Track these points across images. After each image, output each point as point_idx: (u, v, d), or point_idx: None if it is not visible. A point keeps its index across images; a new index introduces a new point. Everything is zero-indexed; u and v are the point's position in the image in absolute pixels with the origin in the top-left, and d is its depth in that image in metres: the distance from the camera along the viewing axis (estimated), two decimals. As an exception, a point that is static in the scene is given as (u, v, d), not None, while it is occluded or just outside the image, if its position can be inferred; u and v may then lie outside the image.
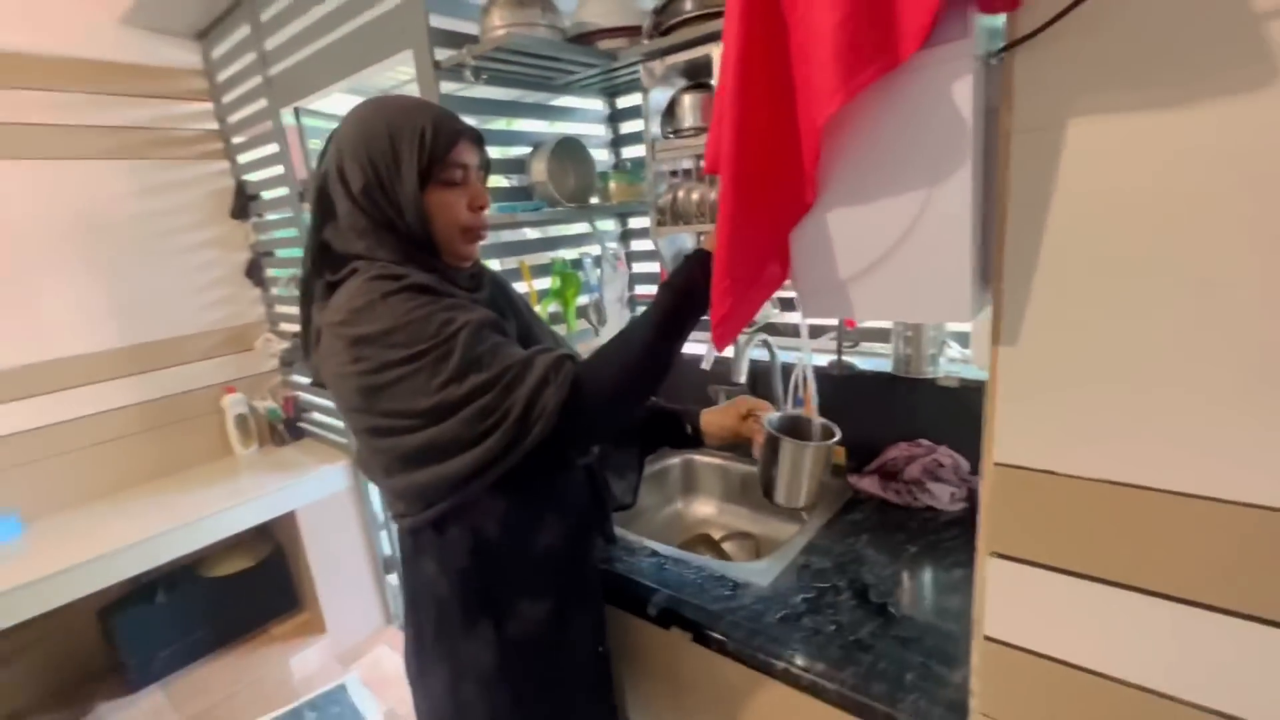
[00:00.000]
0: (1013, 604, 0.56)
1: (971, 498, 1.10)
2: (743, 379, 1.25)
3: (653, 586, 0.94)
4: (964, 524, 1.04)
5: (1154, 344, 0.44)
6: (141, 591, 1.83)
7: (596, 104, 1.63)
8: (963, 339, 1.20)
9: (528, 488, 0.73)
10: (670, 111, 1.29)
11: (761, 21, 0.52)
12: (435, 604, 0.74)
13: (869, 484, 1.18)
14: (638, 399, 0.70)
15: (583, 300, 1.59)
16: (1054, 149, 0.45)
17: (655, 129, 1.32)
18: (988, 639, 0.58)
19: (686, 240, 1.46)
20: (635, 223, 1.74)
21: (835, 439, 0.83)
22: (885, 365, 1.25)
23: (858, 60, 0.44)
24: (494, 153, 1.50)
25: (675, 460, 1.46)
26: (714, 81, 1.21)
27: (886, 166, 0.49)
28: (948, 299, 0.50)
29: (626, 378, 0.66)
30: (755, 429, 0.95)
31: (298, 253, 1.91)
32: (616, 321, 1.66)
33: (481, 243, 0.77)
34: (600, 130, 1.64)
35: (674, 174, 1.37)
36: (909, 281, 0.52)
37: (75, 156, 1.80)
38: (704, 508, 1.43)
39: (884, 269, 0.52)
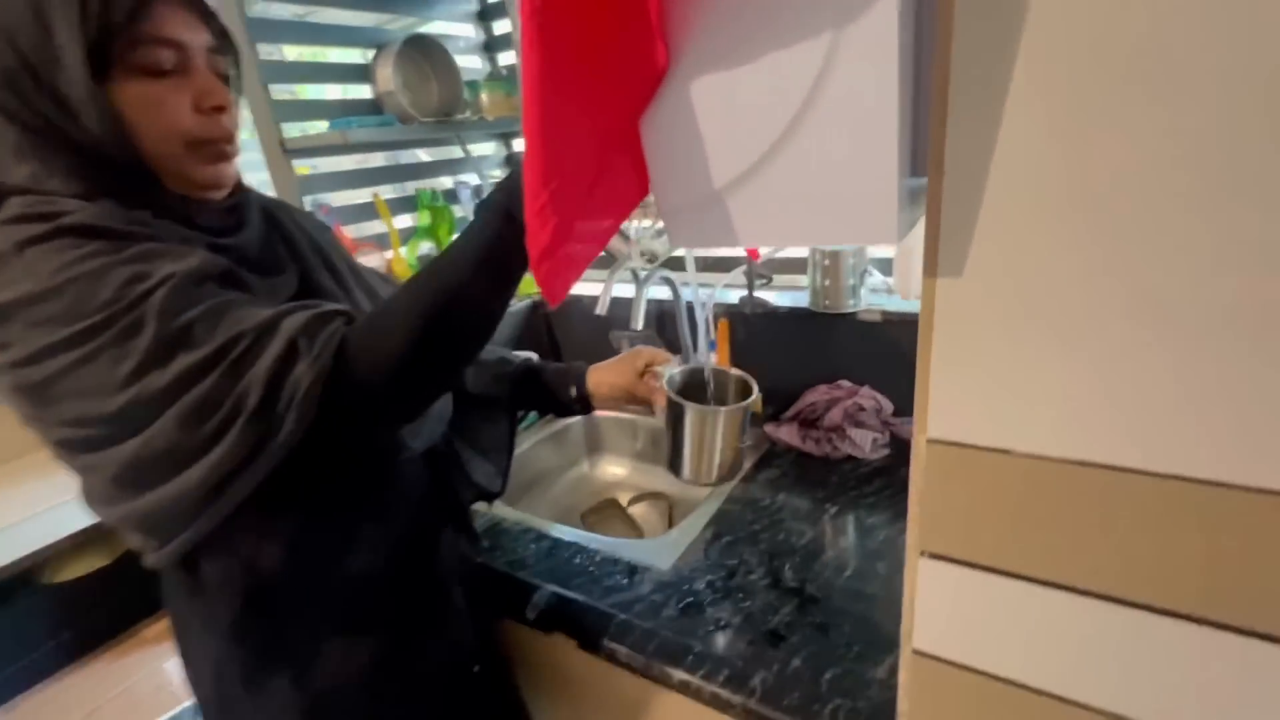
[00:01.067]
0: (947, 612, 0.43)
1: (895, 443, 1.00)
2: (640, 325, 1.08)
3: (533, 583, 0.78)
4: (887, 473, 0.94)
5: (1151, 273, 0.30)
6: (-37, 608, 1.54)
7: (460, -3, 1.34)
8: (884, 266, 1.07)
9: (319, 496, 0.54)
10: None
11: None
12: (210, 670, 0.56)
13: (786, 433, 1.06)
14: (449, 363, 0.51)
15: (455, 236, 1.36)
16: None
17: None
18: (917, 653, 0.46)
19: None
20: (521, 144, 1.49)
21: (751, 399, 0.67)
22: (803, 299, 1.11)
23: None
24: (332, 55, 1.21)
25: (576, 418, 1.29)
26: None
27: (765, 8, 0.31)
28: (865, 210, 0.33)
29: (425, 334, 0.47)
30: (654, 389, 0.78)
31: None
32: (507, 262, 1.45)
33: (230, 161, 0.54)
34: (469, 30, 1.36)
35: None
36: (808, 186, 0.34)
37: None
38: (613, 468, 1.29)
39: (771, 168, 0.35)
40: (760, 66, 0.33)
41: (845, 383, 1.07)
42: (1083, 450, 0.34)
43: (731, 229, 0.38)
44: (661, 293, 1.28)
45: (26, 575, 1.65)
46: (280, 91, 1.08)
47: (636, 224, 1.21)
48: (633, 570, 0.79)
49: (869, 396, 1.04)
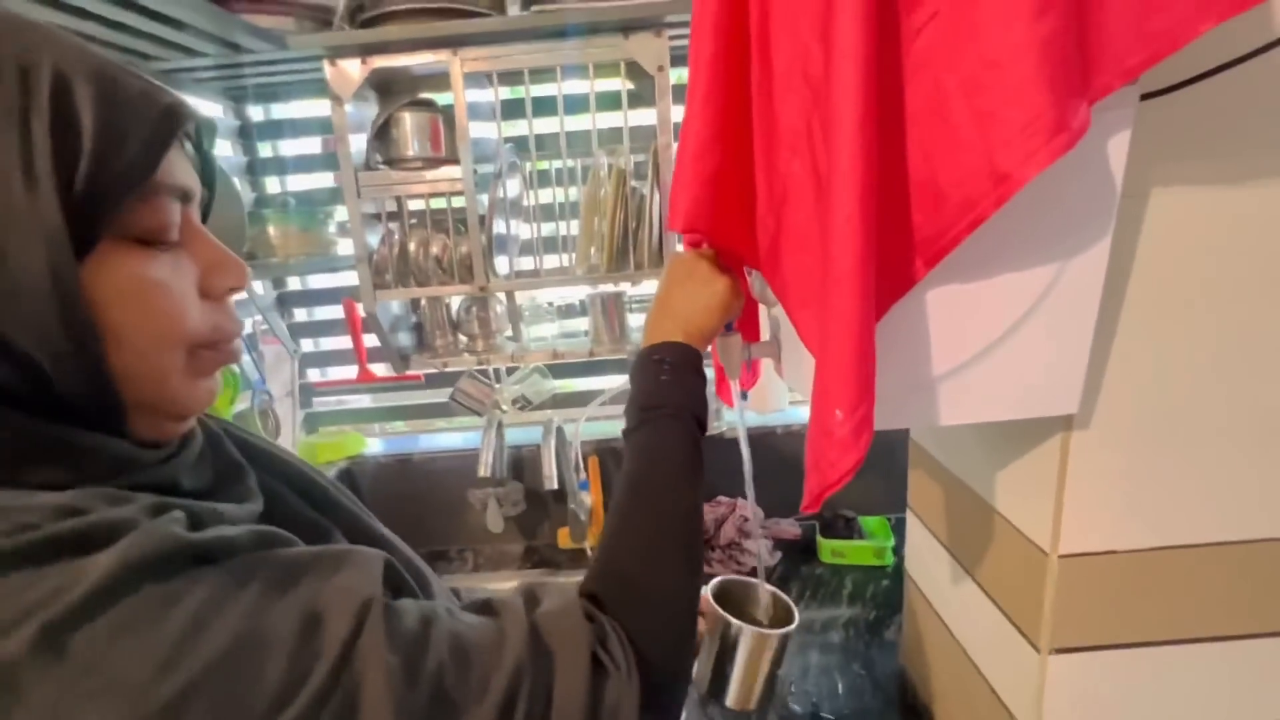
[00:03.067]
0: (1074, 696, 0.52)
1: (780, 545, 1.11)
2: (551, 484, 0.99)
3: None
4: (797, 577, 1.03)
5: (1212, 405, 0.45)
6: None
7: (216, 109, 1.09)
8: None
9: None
10: (383, 134, 0.93)
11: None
12: None
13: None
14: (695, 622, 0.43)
15: (241, 405, 1.03)
16: (1139, 217, 0.42)
17: (355, 152, 0.94)
18: (1047, 739, 0.53)
19: (395, 305, 1.10)
20: (295, 283, 1.23)
21: (795, 622, 0.61)
22: (671, 426, 1.17)
23: (1068, 90, 0.31)
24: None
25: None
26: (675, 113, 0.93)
27: (1013, 235, 0.38)
28: (1061, 386, 0.42)
29: (688, 583, 0.41)
30: None
31: None
32: (290, 426, 1.15)
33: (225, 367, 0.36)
34: (228, 150, 1.11)
35: (390, 216, 1.01)
36: (1018, 371, 0.42)
37: None
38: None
39: (989, 360, 0.41)
40: (998, 284, 0.39)
41: (723, 498, 1.15)
42: (1163, 538, 0.48)
43: (936, 408, 0.43)
44: (516, 437, 1.19)
45: None
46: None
47: (502, 369, 1.11)
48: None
49: (745, 508, 1.14)
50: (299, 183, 1.17)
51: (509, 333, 1.13)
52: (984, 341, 0.41)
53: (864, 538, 1.06)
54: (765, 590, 0.64)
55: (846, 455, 0.37)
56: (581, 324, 1.14)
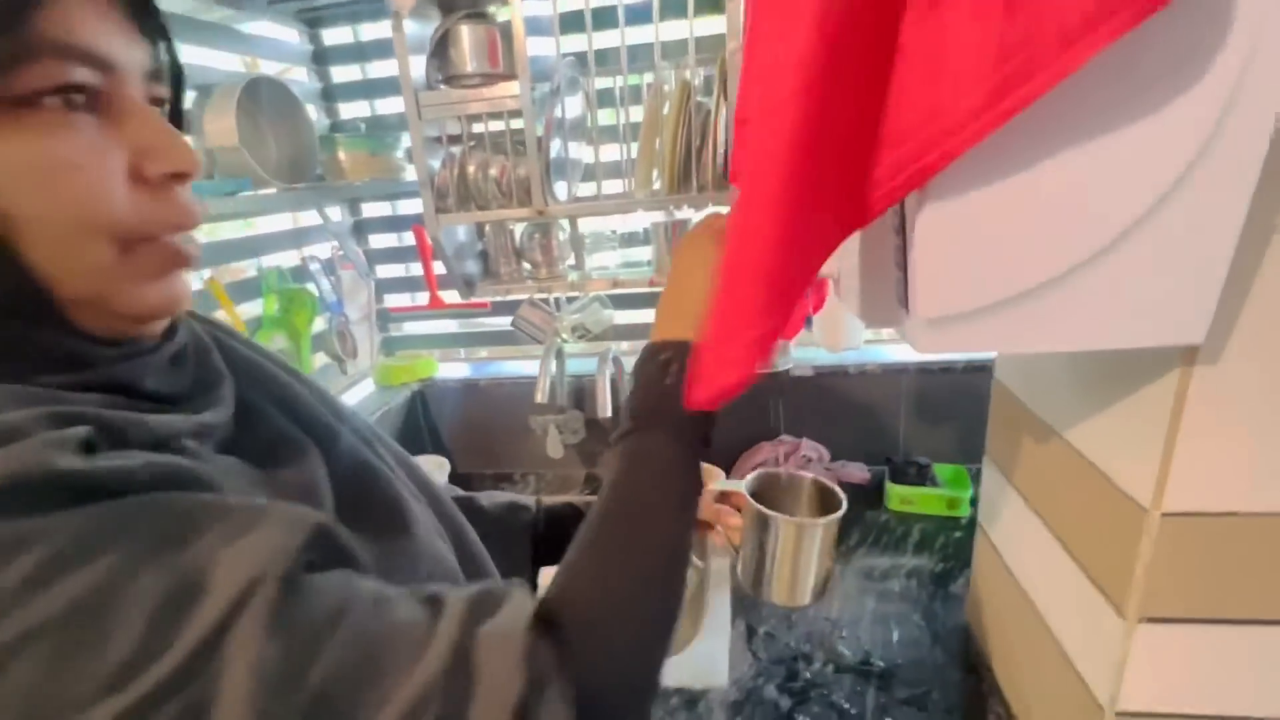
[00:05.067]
0: (1160, 670, 0.46)
1: (847, 489, 1.05)
2: (604, 412, 0.99)
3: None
4: (860, 523, 0.98)
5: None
6: None
7: (291, 34, 1.10)
8: (806, 323, 1.14)
9: None
10: (441, 51, 0.90)
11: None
12: None
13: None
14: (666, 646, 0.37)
15: (319, 327, 1.09)
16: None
17: (417, 74, 0.92)
18: (1122, 715, 0.47)
19: (461, 232, 1.10)
20: (370, 209, 1.27)
21: (843, 508, 0.59)
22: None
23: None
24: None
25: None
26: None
27: (1132, 103, 0.30)
28: (1186, 311, 0.34)
29: (662, 613, 0.36)
30: (721, 510, 0.63)
31: None
32: (367, 349, 1.20)
33: (189, 268, 0.33)
34: (301, 75, 1.12)
35: (452, 139, 0.99)
36: (1133, 289, 0.34)
37: None
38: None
39: (1096, 272, 0.33)
40: (1107, 169, 0.32)
41: (786, 437, 1.11)
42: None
43: (1027, 331, 0.36)
44: (579, 366, 1.19)
45: None
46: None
47: (563, 297, 1.11)
48: (692, 698, 0.69)
49: (811, 448, 1.09)
50: (371, 108, 1.18)
51: (572, 261, 1.11)
52: (1091, 248, 0.33)
53: (938, 486, 0.99)
54: (809, 481, 0.60)
55: (729, 371, 0.37)
56: (645, 253, 1.10)
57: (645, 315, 1.21)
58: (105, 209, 0.28)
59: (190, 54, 0.93)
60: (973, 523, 0.94)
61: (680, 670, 0.73)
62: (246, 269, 0.99)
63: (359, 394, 1.19)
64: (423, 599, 0.30)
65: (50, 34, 0.26)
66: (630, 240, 1.11)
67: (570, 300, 1.11)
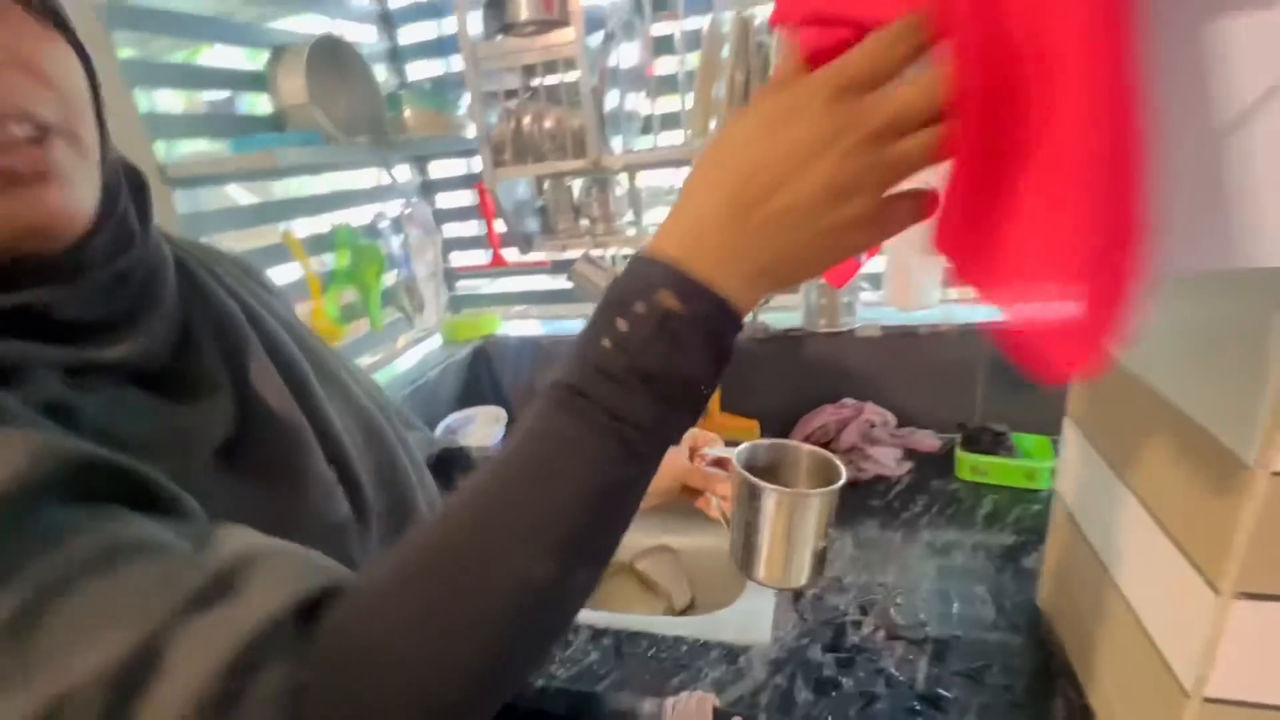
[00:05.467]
0: (1257, 653, 0.40)
1: (912, 456, 1.00)
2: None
3: (629, 703, 0.64)
4: (924, 490, 0.92)
5: None
6: None
7: (359, -3, 1.13)
8: (874, 280, 1.08)
9: None
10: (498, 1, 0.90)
11: None
12: None
13: (801, 461, 1.02)
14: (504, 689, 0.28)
15: (388, 283, 1.14)
16: None
17: (475, 29, 0.92)
18: (1212, 701, 0.42)
19: (521, 189, 1.11)
20: (437, 169, 1.30)
21: (841, 480, 0.53)
22: (796, 320, 1.08)
23: None
24: (218, 58, 0.95)
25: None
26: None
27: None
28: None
29: (513, 633, 0.27)
30: (711, 475, 0.60)
31: None
32: (434, 306, 1.24)
33: (45, 184, 0.28)
34: (370, 35, 1.15)
35: (509, 94, 0.99)
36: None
37: None
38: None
39: None
40: None
41: (849, 401, 1.06)
42: None
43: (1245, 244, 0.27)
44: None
45: None
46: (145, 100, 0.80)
47: (613, 253, 1.10)
48: (732, 653, 0.68)
49: (875, 412, 1.04)
50: (438, 67, 1.19)
51: (630, 217, 1.09)
52: None
53: (1015, 456, 0.91)
54: (805, 451, 0.56)
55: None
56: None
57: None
58: None
59: (263, 14, 0.98)
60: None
61: (723, 625, 0.72)
62: (322, 225, 1.04)
63: (426, 349, 1.23)
64: (201, 566, 0.25)
65: None
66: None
67: (626, 258, 1.10)
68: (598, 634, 0.73)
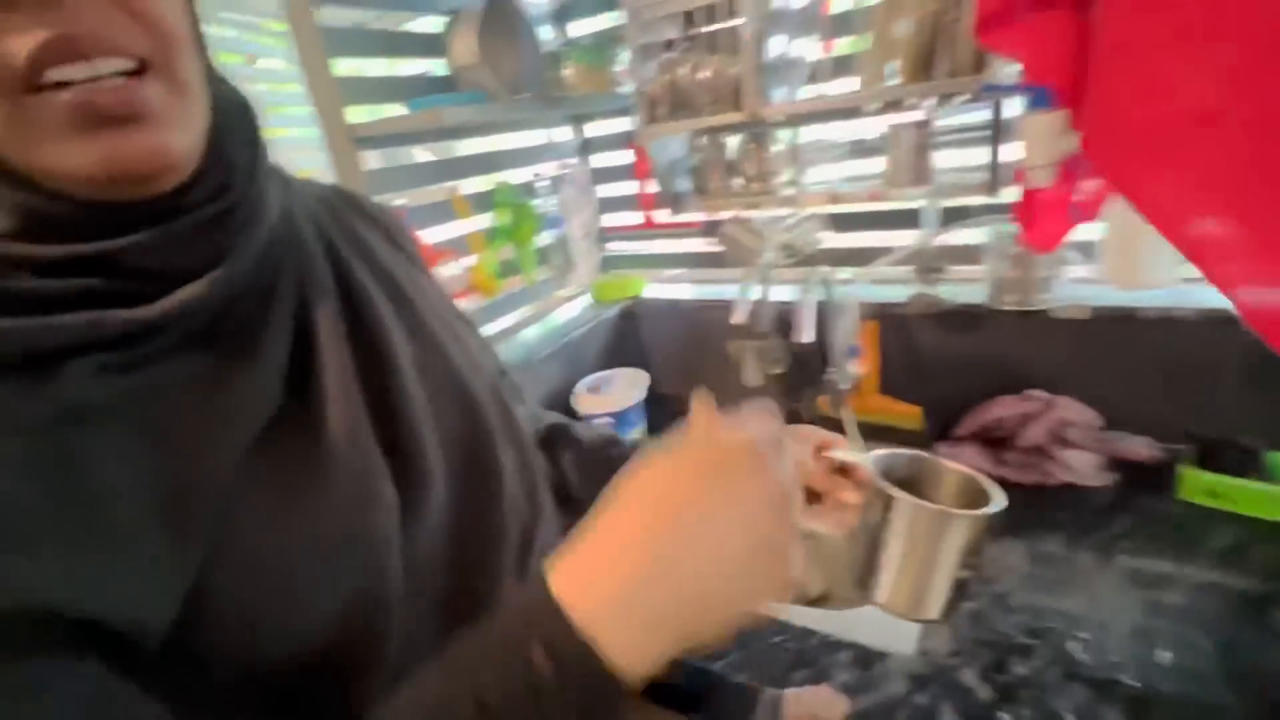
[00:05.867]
0: None
1: (1119, 466, 0.83)
2: (807, 336, 0.90)
3: (744, 687, 0.61)
4: (1129, 506, 0.76)
5: None
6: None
7: (530, -44, 1.15)
8: (1086, 249, 0.89)
9: None
10: (660, -60, 0.85)
11: None
12: None
13: (969, 455, 0.89)
14: None
15: (543, 241, 1.17)
16: None
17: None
18: None
19: (675, 147, 1.07)
20: (593, 129, 1.30)
21: (997, 504, 0.43)
22: (978, 294, 0.93)
23: None
24: (381, 23, 1.02)
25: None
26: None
27: None
28: None
29: None
30: (833, 482, 0.52)
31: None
32: (586, 265, 1.26)
33: (147, 126, 0.26)
34: (538, -4, 1.17)
35: (667, 45, 0.95)
36: None
37: None
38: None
39: None
40: None
41: (1038, 393, 0.90)
42: None
43: None
44: (789, 293, 1.10)
45: None
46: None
47: (770, 214, 1.03)
48: (867, 659, 0.62)
49: (1072, 409, 0.87)
50: (599, 24, 1.18)
51: (789, 176, 1.01)
52: None
53: (1269, 480, 0.71)
54: (953, 471, 0.47)
55: None
56: (874, 166, 0.95)
57: (862, 238, 1.06)
58: None
59: None
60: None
61: (859, 625, 0.65)
62: (487, 184, 1.09)
63: (575, 308, 1.26)
64: None
65: None
66: (861, 152, 0.96)
67: (781, 219, 1.02)
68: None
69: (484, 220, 1.07)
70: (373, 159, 0.91)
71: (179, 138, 0.28)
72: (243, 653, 0.28)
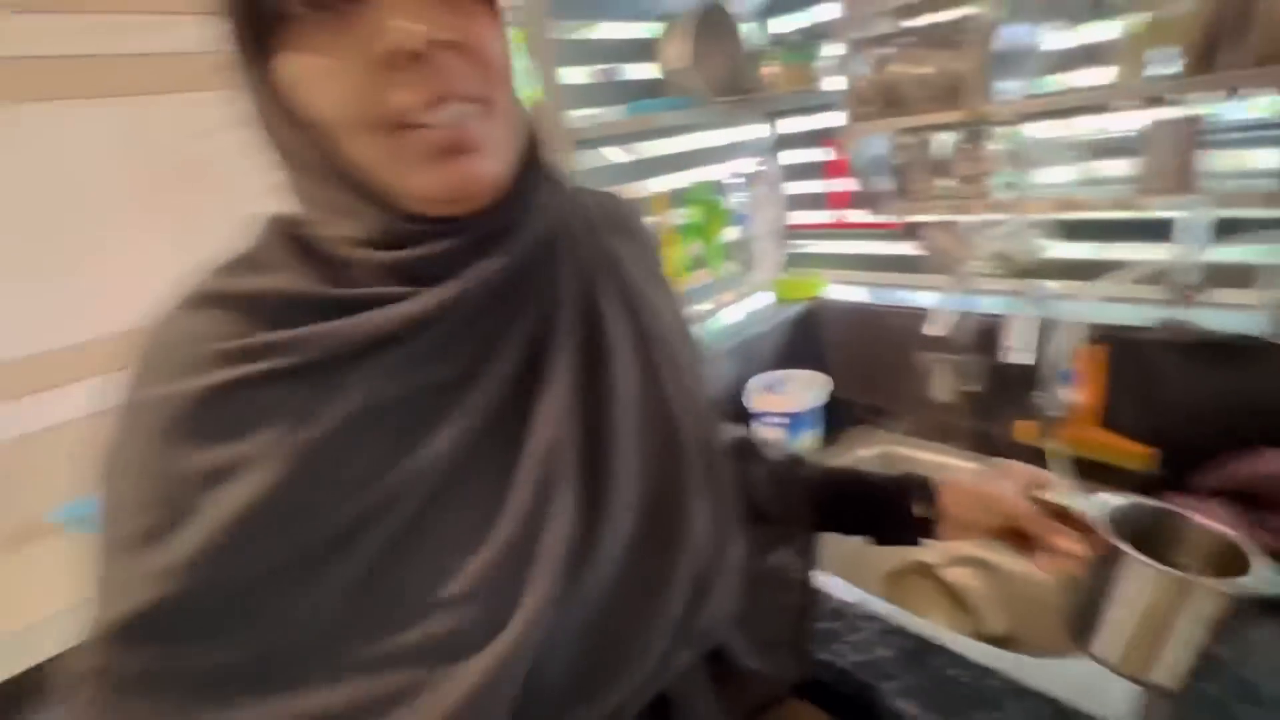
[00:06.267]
0: None
1: None
2: (1016, 354, 0.83)
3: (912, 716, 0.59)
4: None
5: None
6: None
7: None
8: None
9: None
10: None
11: None
12: None
13: (1214, 512, 0.76)
14: None
15: (727, 238, 1.19)
16: None
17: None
18: None
19: (879, 144, 1.02)
20: (786, 125, 1.28)
21: (1256, 576, 0.39)
22: (1249, 324, 0.78)
23: None
24: (606, 32, 1.09)
25: (869, 453, 1.08)
26: None
27: None
28: None
29: None
30: (1052, 527, 0.48)
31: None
32: (768, 263, 1.26)
33: (477, 154, 0.32)
34: (743, -7, 1.18)
35: (880, 40, 0.92)
36: None
37: (166, 90, 1.54)
38: (911, 518, 1.06)
39: None
40: None
41: (1316, 448, 0.74)
42: None
43: None
44: (992, 305, 1.01)
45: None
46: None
47: (982, 218, 0.95)
48: (1063, 713, 0.56)
49: (1375, 473, 0.70)
50: (800, 21, 1.17)
51: (1009, 178, 0.92)
52: None
53: None
54: (1200, 528, 0.42)
55: None
56: (1115, 169, 0.83)
57: (1102, 250, 0.94)
58: (348, 101, 0.30)
59: None
60: None
61: (1055, 676, 0.60)
62: (681, 180, 1.14)
63: (756, 304, 1.27)
64: None
65: None
66: (1103, 151, 0.85)
67: (995, 225, 0.94)
68: (889, 631, 0.68)
69: (677, 216, 1.12)
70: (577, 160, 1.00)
71: (499, 164, 0.34)
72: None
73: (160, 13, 1.59)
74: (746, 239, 1.21)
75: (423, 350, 0.33)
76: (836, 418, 1.11)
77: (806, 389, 1.09)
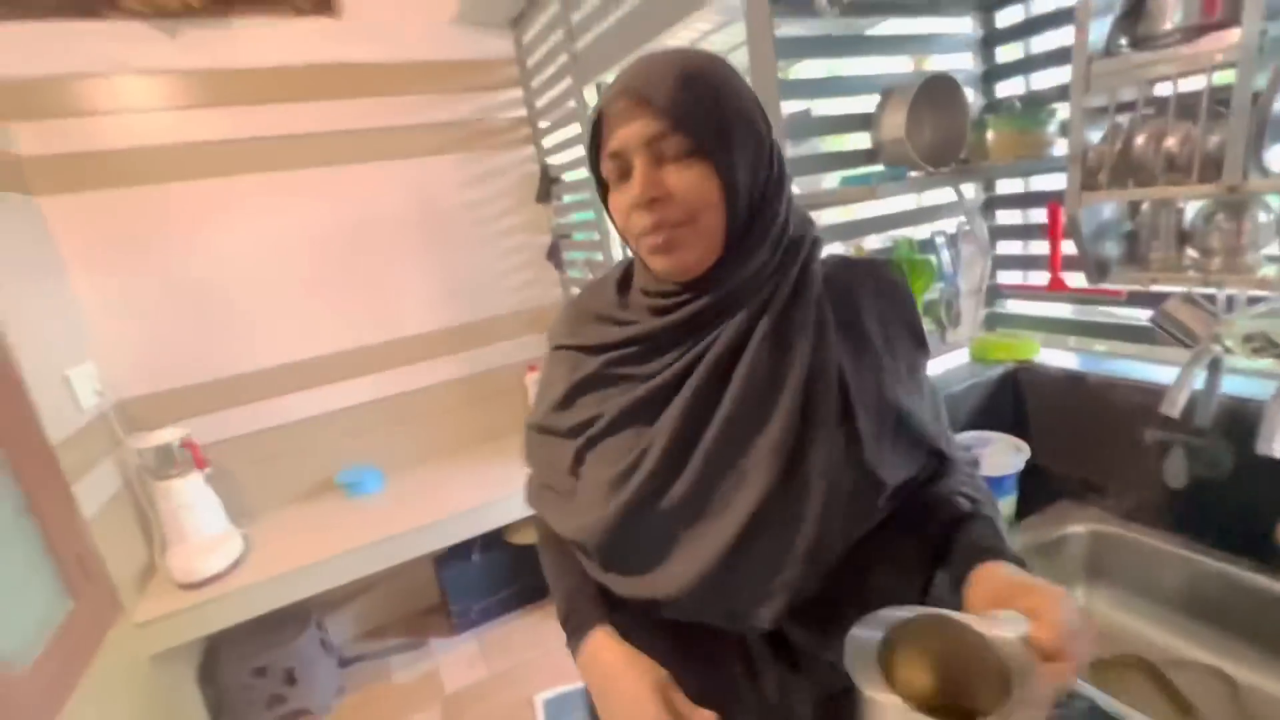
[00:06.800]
0: None
1: None
2: (1176, 413, 0.77)
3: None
4: None
5: None
6: (460, 549, 2.03)
7: (964, 25, 1.20)
8: None
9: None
10: (1138, 8, 0.82)
11: None
12: None
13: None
14: None
15: (931, 295, 1.21)
16: None
17: (1093, 38, 0.87)
18: None
19: (1106, 210, 0.99)
20: (1004, 186, 1.27)
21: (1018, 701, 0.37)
22: None
23: None
24: (830, 106, 1.19)
25: (1079, 529, 1.02)
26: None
27: None
28: None
29: None
30: (1073, 639, 0.44)
31: (595, 236, 1.86)
32: (970, 321, 1.25)
33: (670, 253, 0.58)
34: (966, 63, 1.21)
35: (1121, 108, 0.90)
36: None
37: (413, 154, 1.98)
38: (1126, 615, 0.98)
39: None
40: None
41: None
42: None
43: None
44: (1239, 387, 0.93)
45: (500, 532, 2.11)
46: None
47: (1231, 295, 0.89)
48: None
49: None
50: (1027, 84, 1.16)
51: (1269, 250, 0.85)
52: None
53: None
54: (1012, 643, 0.38)
55: None
56: None
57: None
58: (621, 224, 0.60)
59: (864, 65, 1.13)
60: None
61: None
62: (888, 239, 1.19)
63: (952, 362, 1.27)
64: None
65: (606, 147, 0.58)
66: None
67: (1252, 302, 0.87)
68: (1097, 711, 0.67)
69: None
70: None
71: (697, 254, 0.58)
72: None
73: (435, 93, 2.02)
74: (951, 297, 1.22)
75: (655, 347, 0.62)
76: (1033, 487, 1.07)
77: (1005, 454, 1.06)
